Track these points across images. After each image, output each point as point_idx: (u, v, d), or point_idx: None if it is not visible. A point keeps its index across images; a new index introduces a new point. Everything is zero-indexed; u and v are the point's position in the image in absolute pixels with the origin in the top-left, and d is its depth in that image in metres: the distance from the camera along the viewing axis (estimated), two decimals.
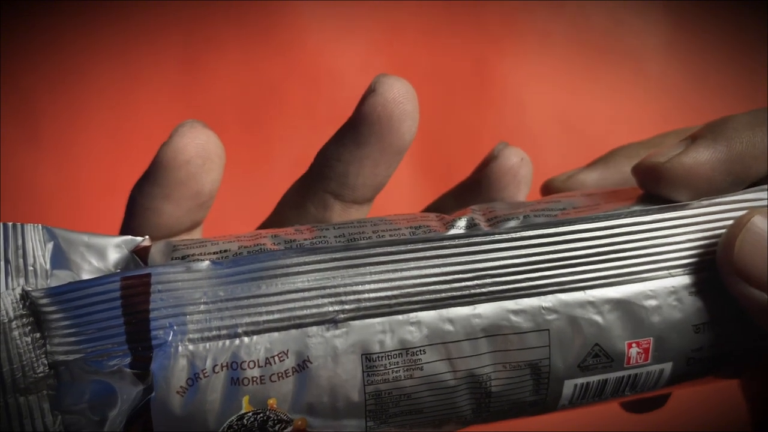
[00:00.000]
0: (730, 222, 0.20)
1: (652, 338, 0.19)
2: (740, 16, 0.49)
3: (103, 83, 0.48)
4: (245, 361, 0.18)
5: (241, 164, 0.47)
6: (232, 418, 0.18)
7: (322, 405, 0.18)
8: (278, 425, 0.18)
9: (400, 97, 0.20)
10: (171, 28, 0.49)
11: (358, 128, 0.21)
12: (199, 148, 0.20)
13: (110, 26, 0.48)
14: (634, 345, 0.19)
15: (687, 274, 0.20)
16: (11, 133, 0.47)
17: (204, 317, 0.18)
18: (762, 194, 0.20)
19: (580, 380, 0.19)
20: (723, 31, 0.49)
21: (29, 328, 0.18)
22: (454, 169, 0.47)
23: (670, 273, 0.20)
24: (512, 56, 0.49)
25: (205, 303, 0.18)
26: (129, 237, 0.20)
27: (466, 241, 0.19)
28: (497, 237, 0.19)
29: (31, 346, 0.18)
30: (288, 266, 0.19)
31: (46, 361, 0.18)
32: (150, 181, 0.21)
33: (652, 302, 0.19)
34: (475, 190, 0.25)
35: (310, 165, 0.22)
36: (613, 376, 0.20)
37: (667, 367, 0.20)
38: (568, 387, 0.20)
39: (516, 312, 0.19)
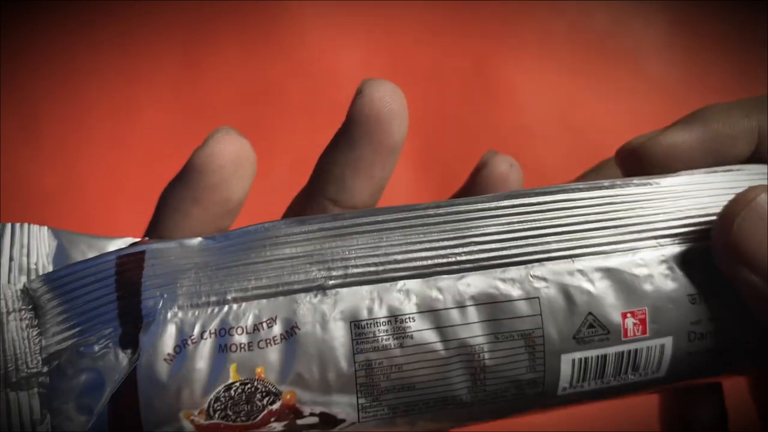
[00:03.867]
0: (722, 193, 0.20)
1: (647, 308, 0.19)
2: (740, 16, 0.49)
3: (104, 83, 0.48)
4: (233, 327, 0.18)
5: None
6: (220, 388, 0.18)
7: (311, 376, 0.18)
8: (266, 398, 0.18)
9: (387, 96, 0.21)
10: (171, 28, 0.49)
11: (350, 131, 0.21)
12: (233, 155, 0.21)
13: (111, 27, 0.48)
14: (629, 315, 0.19)
15: (677, 244, 0.20)
16: (11, 133, 0.47)
17: (194, 285, 0.18)
18: (759, 168, 0.20)
19: (577, 354, 0.19)
20: (723, 31, 0.49)
21: (26, 322, 0.19)
22: (453, 169, 0.47)
23: (659, 243, 0.20)
24: (512, 56, 0.49)
25: (196, 272, 0.18)
26: (129, 238, 0.21)
27: (450, 210, 0.19)
28: (480, 206, 0.19)
29: (26, 341, 0.18)
30: (277, 236, 0.19)
31: (40, 357, 0.18)
32: (181, 184, 0.21)
33: (643, 270, 0.19)
34: None
35: (310, 175, 0.23)
36: (611, 350, 0.19)
37: (668, 342, 0.20)
38: (566, 363, 0.19)
39: (504, 280, 0.19)
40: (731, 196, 0.20)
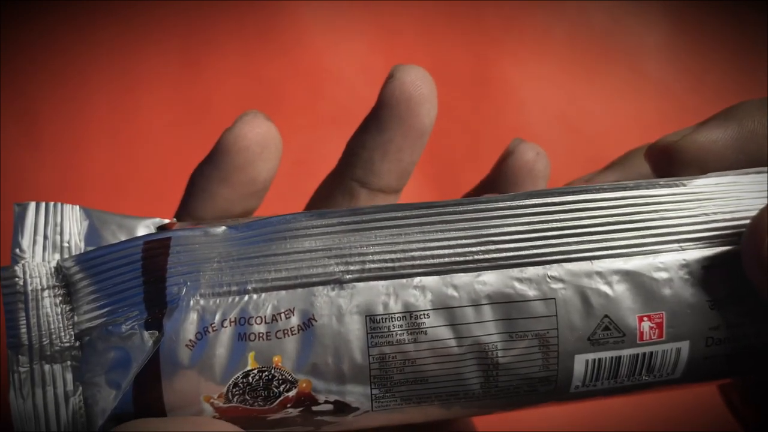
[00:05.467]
0: (750, 196, 0.20)
1: (664, 312, 0.19)
2: (740, 16, 0.49)
3: (104, 83, 0.48)
4: (252, 317, 0.19)
5: None
6: (238, 374, 0.19)
7: (326, 366, 0.19)
8: (283, 385, 0.19)
9: (417, 80, 0.21)
10: (171, 28, 0.49)
11: (380, 114, 0.22)
12: (259, 137, 0.21)
13: (110, 26, 0.48)
14: (645, 319, 0.19)
15: (700, 248, 0.19)
16: (11, 133, 0.47)
17: (216, 274, 0.19)
18: None
19: (591, 355, 0.19)
20: (723, 31, 0.49)
21: (60, 299, 0.19)
22: (453, 168, 0.47)
23: (680, 246, 0.19)
24: (512, 56, 0.49)
25: (218, 262, 0.19)
26: (157, 218, 0.21)
27: (470, 208, 0.19)
28: (500, 204, 0.19)
29: (60, 317, 0.19)
30: (297, 229, 0.19)
31: (72, 332, 0.19)
32: (209, 164, 0.22)
33: (663, 275, 0.19)
34: (493, 189, 0.25)
35: (339, 159, 0.23)
36: (626, 353, 0.19)
37: (684, 346, 0.19)
38: (580, 363, 0.19)
39: (521, 280, 0.19)
40: (761, 200, 0.20)
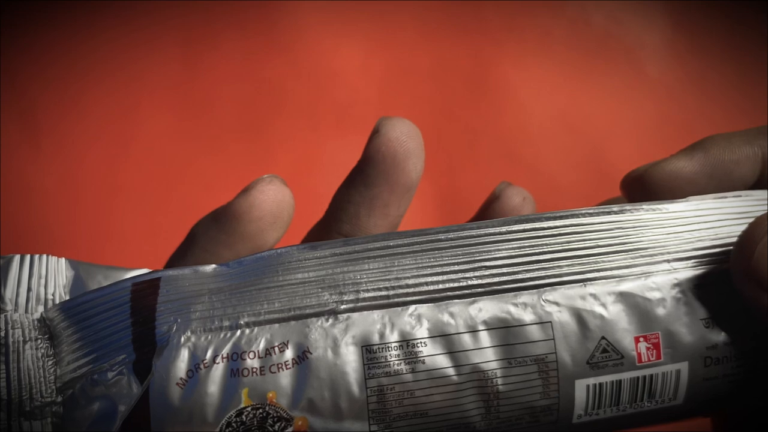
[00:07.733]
0: (733, 218, 0.20)
1: (660, 332, 0.19)
2: (740, 17, 0.49)
3: (104, 84, 0.48)
4: (245, 352, 0.18)
5: (241, 164, 0.47)
6: (231, 413, 0.18)
7: (323, 402, 0.18)
8: (278, 423, 0.18)
9: (403, 136, 0.21)
10: (171, 28, 0.49)
11: (366, 169, 0.21)
12: (274, 206, 0.21)
13: (111, 27, 0.48)
14: (642, 339, 0.19)
15: (690, 268, 0.20)
16: (11, 134, 0.47)
17: (207, 310, 0.18)
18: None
19: (591, 380, 0.19)
20: (723, 31, 0.49)
21: (42, 351, 0.19)
22: (453, 169, 0.47)
23: (672, 267, 0.20)
24: (512, 56, 0.49)
25: (210, 297, 0.19)
26: (146, 269, 0.21)
27: (461, 234, 0.19)
28: (492, 230, 0.19)
29: (42, 370, 0.19)
30: (290, 261, 0.19)
31: (54, 387, 0.18)
32: (218, 227, 0.21)
33: (656, 294, 0.19)
34: None
35: (326, 210, 0.23)
36: (626, 376, 0.19)
37: (683, 367, 0.19)
38: (581, 389, 0.19)
39: (516, 304, 0.19)
40: (743, 221, 0.20)
